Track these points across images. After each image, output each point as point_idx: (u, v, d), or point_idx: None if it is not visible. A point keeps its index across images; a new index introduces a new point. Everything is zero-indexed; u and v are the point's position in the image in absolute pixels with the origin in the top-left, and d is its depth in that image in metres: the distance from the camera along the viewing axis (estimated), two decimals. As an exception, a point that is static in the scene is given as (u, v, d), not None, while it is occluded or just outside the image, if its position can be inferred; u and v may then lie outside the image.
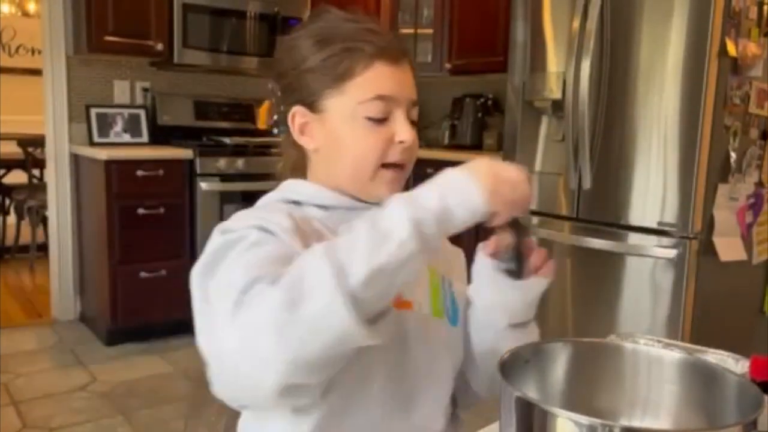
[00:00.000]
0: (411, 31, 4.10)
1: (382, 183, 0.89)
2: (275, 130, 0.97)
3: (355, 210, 0.89)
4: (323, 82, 0.87)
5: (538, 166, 2.88)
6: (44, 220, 4.19)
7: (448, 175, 0.74)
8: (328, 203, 0.89)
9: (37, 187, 4.43)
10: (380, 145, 0.87)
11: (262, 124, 4.00)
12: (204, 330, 0.71)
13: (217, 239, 0.79)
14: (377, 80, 0.86)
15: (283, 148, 0.98)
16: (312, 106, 0.89)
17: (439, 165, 0.80)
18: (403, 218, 0.68)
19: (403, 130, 0.88)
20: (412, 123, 0.90)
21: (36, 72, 4.18)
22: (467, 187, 0.72)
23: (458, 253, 1.04)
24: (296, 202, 0.90)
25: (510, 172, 0.75)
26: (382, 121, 0.87)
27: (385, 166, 0.88)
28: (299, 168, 0.96)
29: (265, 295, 0.66)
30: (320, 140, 0.90)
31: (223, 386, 0.71)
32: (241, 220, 0.82)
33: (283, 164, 0.98)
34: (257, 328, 0.65)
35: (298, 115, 0.90)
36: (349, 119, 0.87)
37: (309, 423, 0.83)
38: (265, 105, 4.00)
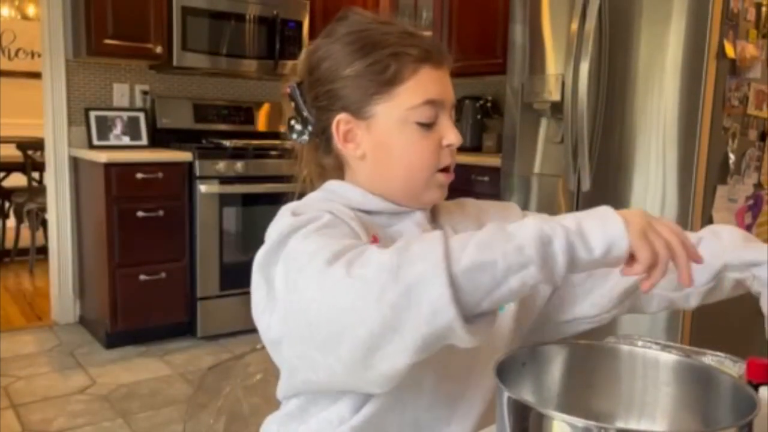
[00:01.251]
0: (410, 33, 4.11)
1: (435, 187, 0.90)
2: (294, 135, 0.95)
3: (398, 215, 0.90)
4: (370, 87, 0.87)
5: (537, 168, 2.89)
6: (44, 223, 4.19)
7: (593, 208, 0.70)
8: (374, 208, 0.89)
9: (37, 190, 4.43)
10: (433, 150, 0.88)
11: (263, 126, 4.00)
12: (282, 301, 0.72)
13: (287, 219, 0.78)
14: (426, 85, 0.87)
15: (303, 153, 0.97)
16: (358, 112, 0.88)
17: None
18: (530, 227, 0.65)
19: (450, 134, 0.89)
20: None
21: (35, 75, 4.19)
22: (609, 216, 0.67)
23: (507, 209, 1.02)
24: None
25: (666, 223, 0.69)
26: (430, 125, 0.88)
27: (438, 170, 0.90)
28: (325, 172, 0.96)
29: (371, 255, 0.66)
30: (367, 147, 0.90)
31: (306, 351, 0.70)
32: (308, 204, 0.83)
33: (308, 170, 0.98)
34: (363, 282, 0.64)
35: (342, 122, 0.90)
36: (399, 125, 0.87)
37: (356, 419, 0.82)
38: (266, 107, 4.00)
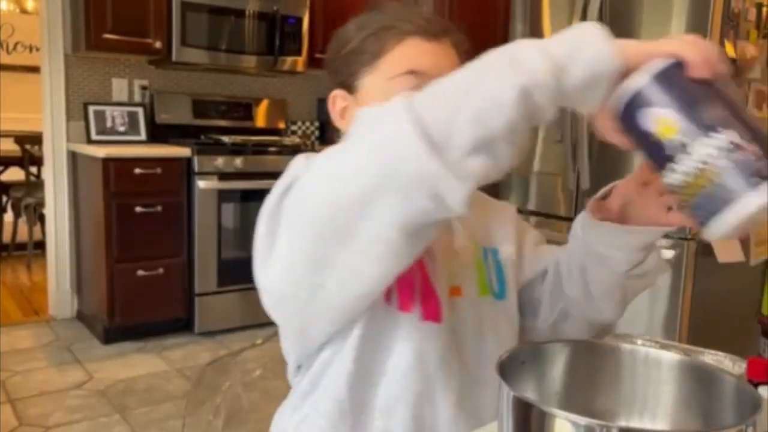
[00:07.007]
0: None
1: None
2: None
3: None
4: (359, 62, 0.87)
5: (536, 167, 2.89)
6: (41, 218, 4.18)
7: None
8: None
9: (35, 185, 4.42)
10: None
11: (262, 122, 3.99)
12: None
13: (301, 160, 0.78)
14: (409, 54, 0.84)
15: None
16: (350, 87, 0.89)
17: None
18: (507, 84, 0.64)
19: None
20: None
21: (34, 69, 4.18)
22: (588, 33, 0.66)
23: (504, 209, 1.01)
24: None
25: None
26: None
27: None
28: None
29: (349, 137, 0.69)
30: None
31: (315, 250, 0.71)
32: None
33: None
34: (349, 155, 0.68)
35: (338, 98, 0.90)
36: (381, 97, 0.81)
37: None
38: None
